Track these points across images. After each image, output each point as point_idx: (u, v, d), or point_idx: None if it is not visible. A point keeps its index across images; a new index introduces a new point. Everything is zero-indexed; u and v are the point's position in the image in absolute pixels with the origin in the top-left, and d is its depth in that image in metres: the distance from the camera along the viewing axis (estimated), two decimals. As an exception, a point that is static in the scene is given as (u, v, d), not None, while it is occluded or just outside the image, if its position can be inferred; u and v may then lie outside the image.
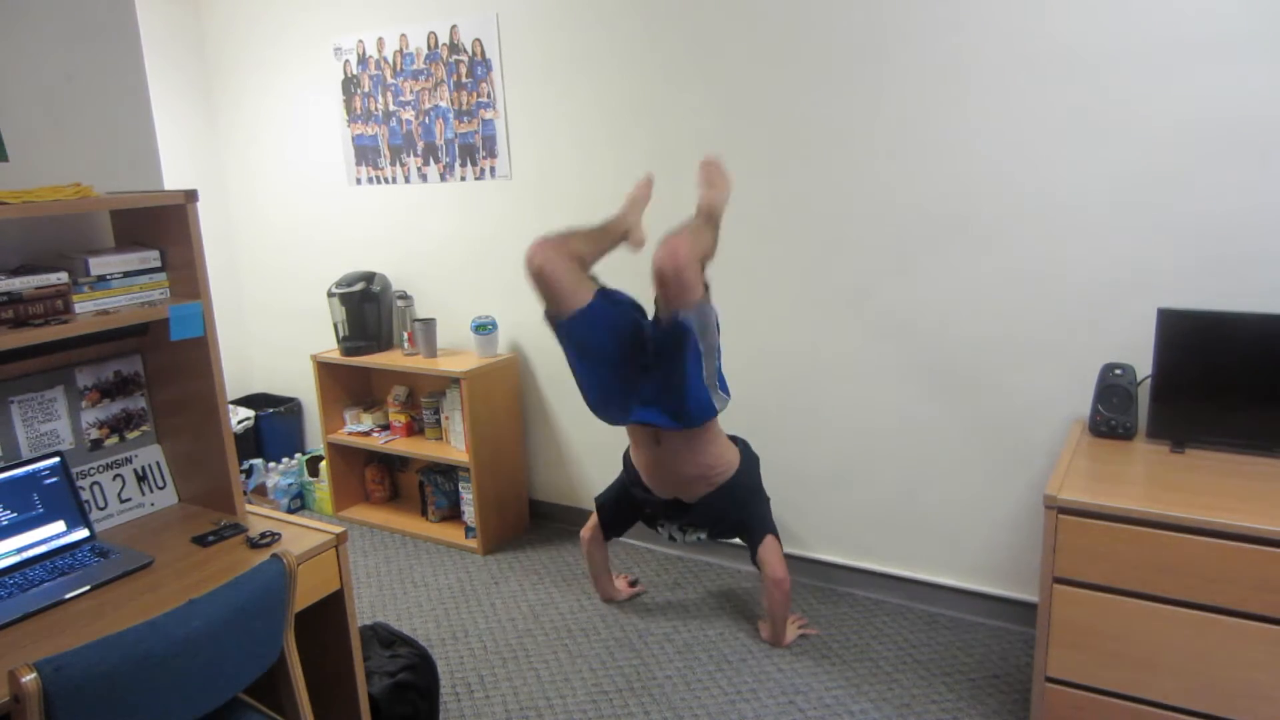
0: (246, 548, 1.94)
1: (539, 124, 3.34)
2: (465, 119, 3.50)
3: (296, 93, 3.95)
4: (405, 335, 3.70)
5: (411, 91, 3.60)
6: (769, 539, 2.66)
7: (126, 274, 1.93)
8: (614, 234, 2.62)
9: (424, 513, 3.81)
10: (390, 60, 3.62)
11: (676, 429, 2.47)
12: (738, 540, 2.83)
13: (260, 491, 4.06)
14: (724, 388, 2.50)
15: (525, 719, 2.47)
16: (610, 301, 2.45)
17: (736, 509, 2.68)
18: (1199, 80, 2.26)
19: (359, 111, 3.77)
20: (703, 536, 2.77)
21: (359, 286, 3.67)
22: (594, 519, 2.94)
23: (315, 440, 4.40)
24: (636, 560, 3.37)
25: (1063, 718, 2.14)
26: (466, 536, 3.57)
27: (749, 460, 2.73)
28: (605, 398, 2.49)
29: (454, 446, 3.59)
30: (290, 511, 4.05)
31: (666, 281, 2.24)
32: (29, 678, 1.26)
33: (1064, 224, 2.49)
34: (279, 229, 4.22)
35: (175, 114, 4.13)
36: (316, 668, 2.09)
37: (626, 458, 2.85)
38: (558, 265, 2.35)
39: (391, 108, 3.67)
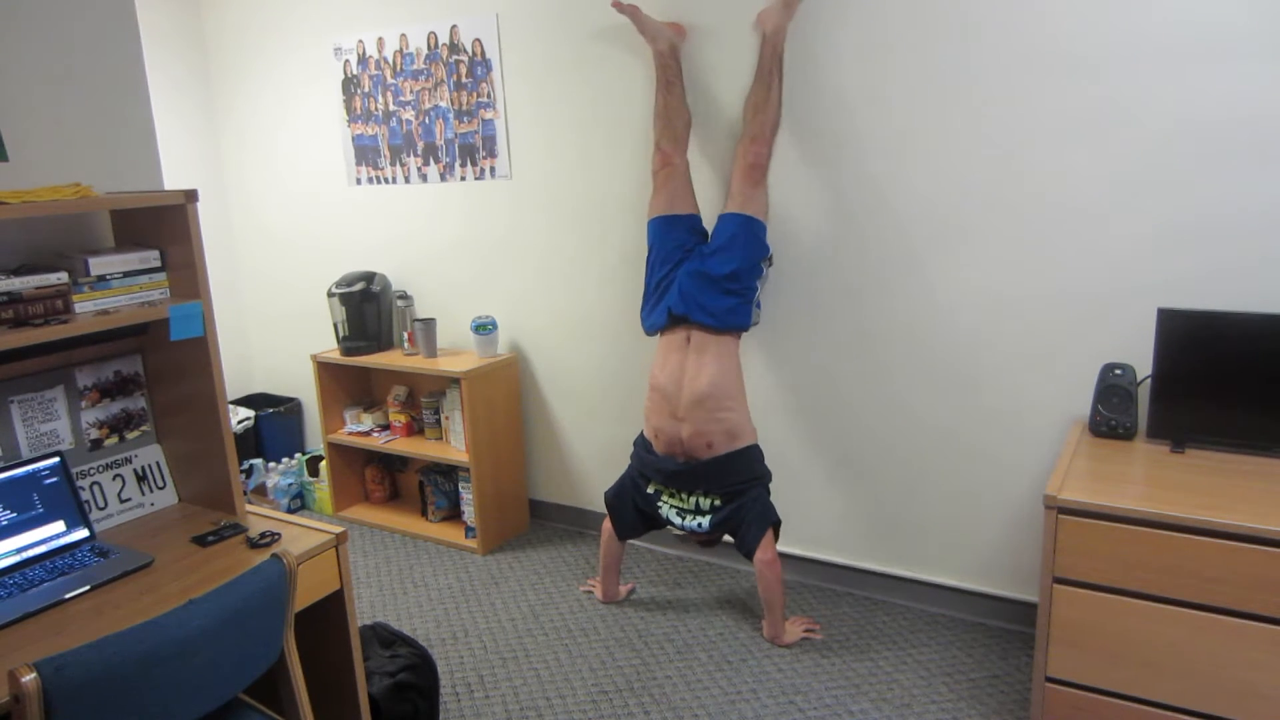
0: (246, 548, 1.94)
1: (539, 124, 3.34)
2: (465, 119, 3.50)
3: (296, 92, 3.95)
4: (405, 335, 3.71)
5: (411, 91, 3.60)
6: (770, 533, 2.67)
7: (126, 274, 1.93)
8: (669, 66, 2.87)
9: (424, 513, 3.81)
10: (390, 60, 3.62)
11: (708, 324, 2.64)
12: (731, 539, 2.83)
13: (260, 491, 4.06)
14: (758, 305, 2.76)
15: (525, 719, 2.47)
16: (693, 226, 2.84)
17: (746, 482, 2.69)
18: (1199, 80, 2.26)
19: (359, 111, 3.77)
20: (704, 524, 2.73)
21: (359, 286, 3.67)
22: (606, 524, 2.96)
23: (315, 440, 4.40)
24: (637, 560, 3.37)
25: (1063, 718, 2.14)
26: (466, 536, 3.57)
27: (761, 455, 2.75)
28: (653, 295, 2.79)
29: (454, 446, 3.59)
30: (290, 511, 4.05)
31: (750, 174, 2.68)
32: (29, 678, 1.26)
33: (1064, 224, 2.49)
34: (279, 229, 4.22)
35: (175, 114, 4.13)
36: (316, 668, 2.09)
37: (638, 441, 2.86)
38: (687, 178, 2.87)
39: (391, 108, 3.67)
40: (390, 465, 4.03)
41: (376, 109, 3.72)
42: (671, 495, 2.79)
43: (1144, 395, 2.43)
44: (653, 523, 2.91)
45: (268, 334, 4.46)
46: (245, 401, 4.42)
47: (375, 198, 3.84)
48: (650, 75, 3.03)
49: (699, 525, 2.74)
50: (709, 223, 2.90)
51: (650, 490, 2.82)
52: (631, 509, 2.89)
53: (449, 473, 3.75)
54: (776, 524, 2.71)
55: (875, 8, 2.62)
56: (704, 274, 2.67)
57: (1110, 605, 2.02)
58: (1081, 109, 2.41)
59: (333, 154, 3.92)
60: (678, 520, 2.78)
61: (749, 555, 2.69)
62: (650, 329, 2.80)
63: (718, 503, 2.72)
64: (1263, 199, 2.24)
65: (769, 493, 2.75)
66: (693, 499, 2.75)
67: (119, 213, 2.09)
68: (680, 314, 2.69)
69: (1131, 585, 1.99)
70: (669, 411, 2.71)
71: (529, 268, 3.52)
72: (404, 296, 3.75)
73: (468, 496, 3.49)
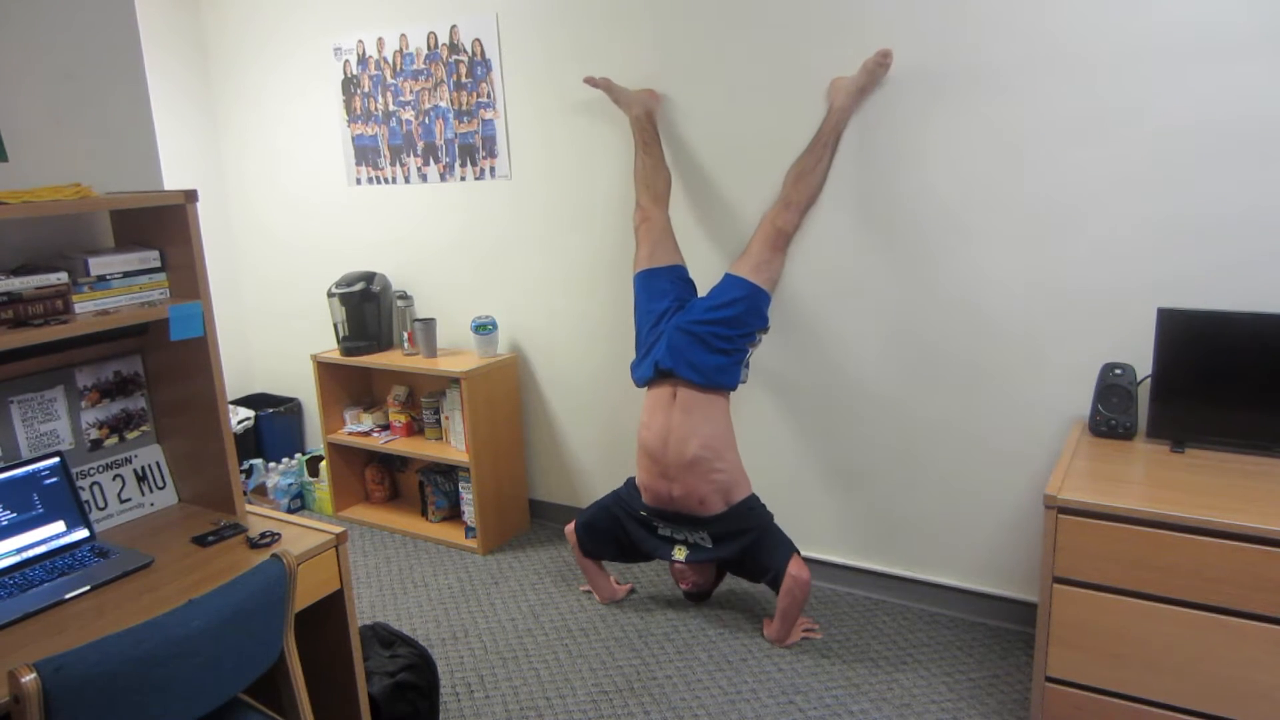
0: (246, 548, 1.94)
1: (539, 124, 3.34)
2: (465, 119, 3.50)
3: (296, 93, 3.95)
4: (405, 335, 3.71)
5: (411, 91, 3.60)
6: (796, 556, 2.66)
7: (126, 274, 1.93)
8: (645, 129, 2.93)
9: (424, 513, 3.81)
10: (390, 60, 3.62)
11: (694, 381, 2.62)
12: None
13: (260, 491, 4.06)
14: (746, 365, 2.72)
15: (525, 719, 2.47)
16: (677, 275, 2.84)
17: (747, 531, 2.68)
18: (1199, 81, 2.26)
19: (359, 111, 3.77)
20: (705, 539, 2.71)
21: (359, 286, 3.67)
22: (572, 536, 2.97)
23: (315, 440, 4.40)
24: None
25: (1063, 718, 2.14)
26: (466, 536, 3.57)
27: (759, 503, 2.74)
28: (643, 347, 2.77)
29: (454, 446, 3.59)
30: (290, 511, 4.05)
31: (775, 239, 2.64)
32: (29, 678, 1.26)
33: (1064, 224, 2.49)
34: (279, 229, 4.22)
35: (175, 114, 4.13)
36: (316, 668, 2.09)
37: (629, 482, 2.87)
38: (668, 231, 2.88)
39: (391, 108, 3.67)
40: (390, 465, 4.03)
41: (376, 109, 3.72)
42: (667, 527, 2.78)
43: (1144, 395, 2.43)
44: (630, 555, 2.92)
45: (268, 334, 4.45)
46: (245, 401, 4.41)
47: (375, 198, 3.84)
48: (649, 72, 3.03)
49: (701, 540, 2.72)
50: (704, 273, 2.92)
51: (643, 513, 2.81)
52: (603, 539, 2.90)
53: (449, 473, 3.75)
54: (796, 551, 2.71)
55: (877, 8, 2.62)
56: (692, 329, 2.62)
57: (1110, 605, 2.02)
58: (1082, 109, 2.41)
59: (333, 154, 3.92)
60: (670, 535, 2.77)
61: (777, 578, 2.64)
62: (638, 381, 2.77)
63: (715, 528, 2.71)
64: (1263, 199, 2.24)
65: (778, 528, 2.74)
66: (695, 535, 2.74)
67: (119, 213, 2.09)
68: (667, 369, 2.65)
69: (1131, 585, 1.99)
70: (658, 472, 2.69)
71: (529, 268, 3.52)
72: (404, 296, 3.75)
73: (468, 496, 3.49)
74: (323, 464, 3.93)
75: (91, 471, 2.07)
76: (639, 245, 2.86)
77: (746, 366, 2.72)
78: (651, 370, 2.70)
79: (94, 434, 2.09)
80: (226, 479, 2.10)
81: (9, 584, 1.77)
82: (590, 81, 3.00)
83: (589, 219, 3.32)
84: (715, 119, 2.96)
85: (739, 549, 2.70)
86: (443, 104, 3.53)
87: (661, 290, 2.78)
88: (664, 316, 2.74)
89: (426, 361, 3.56)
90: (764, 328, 2.69)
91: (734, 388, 2.67)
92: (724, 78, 2.91)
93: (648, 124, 2.92)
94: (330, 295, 3.71)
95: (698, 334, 2.63)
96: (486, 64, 3.39)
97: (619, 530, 2.88)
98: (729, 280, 2.67)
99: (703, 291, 2.80)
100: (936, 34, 2.55)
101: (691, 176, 3.04)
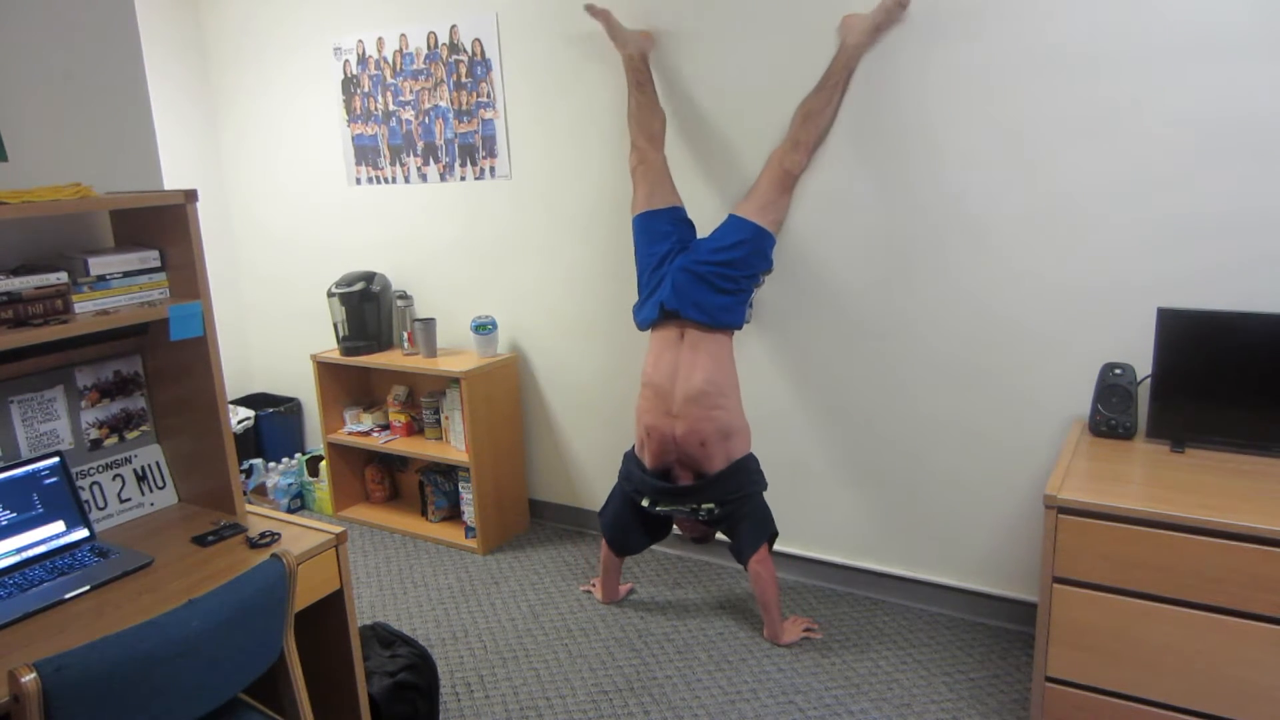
0: (246, 548, 1.94)
1: (539, 124, 3.34)
2: (465, 119, 3.50)
3: (296, 92, 3.95)
4: (405, 335, 3.71)
5: (411, 91, 3.60)
6: (765, 544, 2.67)
7: (126, 274, 1.93)
8: (639, 69, 2.91)
9: (424, 513, 3.81)
10: (390, 60, 3.62)
11: (701, 321, 2.63)
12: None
13: (260, 491, 4.06)
14: (750, 305, 2.75)
15: (525, 719, 2.47)
16: (677, 216, 2.83)
17: (745, 496, 2.68)
18: (1199, 80, 2.26)
19: (359, 111, 3.77)
20: (715, 510, 2.70)
21: (359, 286, 3.67)
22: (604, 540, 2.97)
23: (315, 440, 4.40)
24: (637, 560, 3.37)
25: (1063, 718, 2.14)
26: (466, 536, 3.57)
27: (757, 464, 2.75)
28: (646, 289, 2.78)
29: (454, 446, 3.59)
30: (290, 511, 4.05)
31: (782, 179, 2.65)
32: (29, 678, 1.26)
33: (1064, 223, 2.49)
34: (279, 229, 4.22)
35: (175, 114, 4.13)
36: (316, 668, 2.10)
37: (628, 456, 2.85)
38: (665, 172, 2.86)
39: (391, 108, 3.67)
40: (390, 465, 4.03)
41: (376, 109, 3.72)
42: (668, 505, 2.78)
43: (1144, 395, 2.43)
44: (656, 531, 2.92)
45: (268, 334, 4.46)
46: (245, 401, 4.41)
47: (375, 197, 3.84)
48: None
49: (711, 513, 2.71)
50: (701, 213, 2.90)
51: (645, 503, 2.81)
52: (630, 528, 2.89)
53: (449, 473, 3.75)
54: (773, 536, 2.72)
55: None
56: (697, 270, 2.64)
57: (1110, 605, 2.03)
58: (1082, 108, 2.41)
59: (332, 154, 3.92)
60: (675, 510, 2.77)
61: (742, 559, 2.70)
62: (642, 324, 2.77)
63: (715, 510, 2.71)
64: (1263, 198, 2.24)
65: (765, 502, 2.74)
66: (688, 505, 2.74)
67: (119, 213, 2.09)
68: (672, 309, 2.66)
69: (1131, 585, 1.99)
70: (663, 409, 2.68)
71: (528, 268, 3.52)
72: (404, 296, 3.75)
73: (468, 496, 3.49)
74: (323, 464, 3.93)
75: (91, 471, 2.07)
76: (636, 187, 2.85)
77: (750, 306, 2.74)
78: (656, 311, 2.70)
79: (94, 434, 2.09)
80: (226, 479, 2.10)
81: (9, 584, 1.77)
82: (591, 10, 2.97)
83: (589, 218, 3.32)
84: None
85: (734, 510, 2.70)
86: (443, 104, 3.53)
87: (663, 232, 2.77)
88: (666, 259, 2.73)
89: (426, 361, 3.56)
90: (768, 269, 2.71)
91: (739, 327, 2.70)
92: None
93: (641, 64, 2.91)
94: (330, 295, 3.71)
95: (702, 275, 2.64)
96: (486, 64, 3.39)
97: (640, 517, 2.87)
98: (733, 221, 2.67)
99: (703, 232, 2.80)
100: (935, 31, 2.55)
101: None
